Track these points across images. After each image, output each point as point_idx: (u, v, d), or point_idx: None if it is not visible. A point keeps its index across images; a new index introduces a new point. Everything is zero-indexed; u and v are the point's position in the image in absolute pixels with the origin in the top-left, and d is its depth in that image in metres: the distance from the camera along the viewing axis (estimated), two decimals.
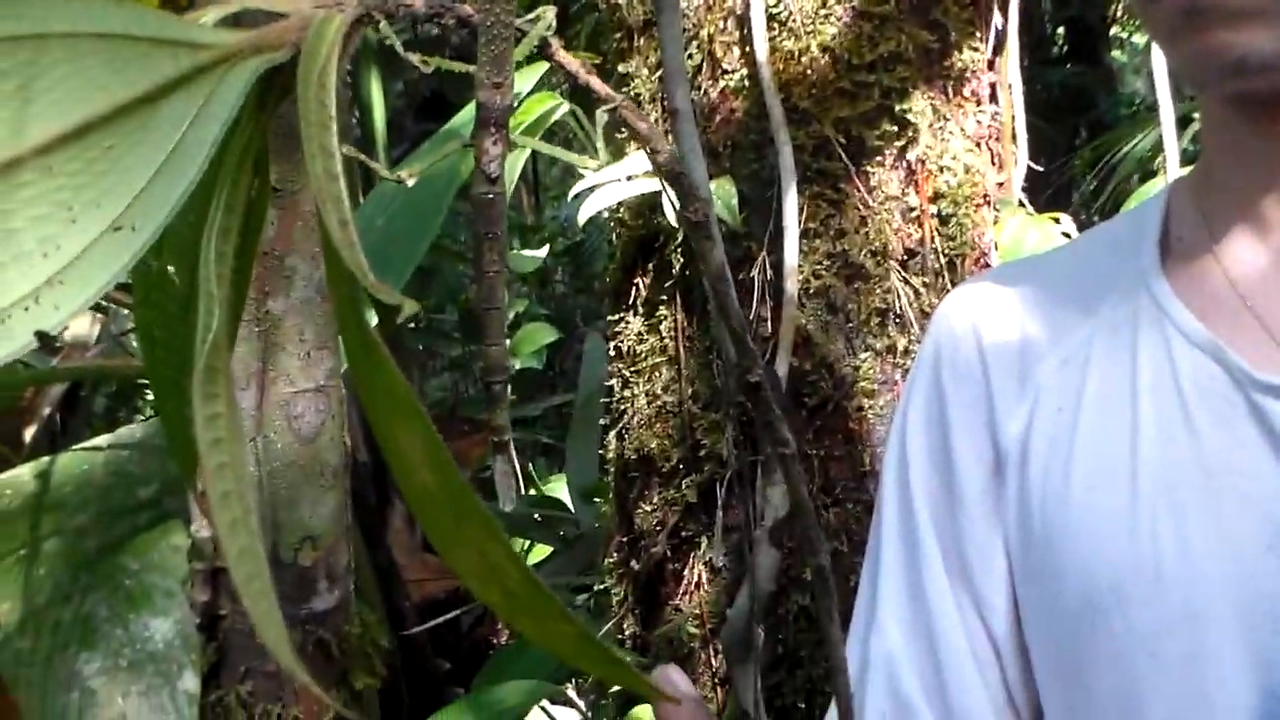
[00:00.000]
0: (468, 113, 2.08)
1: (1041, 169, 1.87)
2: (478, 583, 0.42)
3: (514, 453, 0.51)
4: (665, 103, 1.70)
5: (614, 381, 1.85)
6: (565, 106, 1.92)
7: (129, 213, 0.37)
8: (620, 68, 1.78)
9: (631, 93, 1.79)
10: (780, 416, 0.54)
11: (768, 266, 1.60)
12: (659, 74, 1.72)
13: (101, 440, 1.61)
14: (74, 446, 1.64)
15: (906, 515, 0.77)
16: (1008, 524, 0.73)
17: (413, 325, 4.30)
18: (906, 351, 1.59)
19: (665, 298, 1.74)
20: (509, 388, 0.51)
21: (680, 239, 1.69)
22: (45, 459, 1.57)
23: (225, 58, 0.38)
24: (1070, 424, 0.71)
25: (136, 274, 0.45)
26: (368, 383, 0.42)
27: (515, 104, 0.47)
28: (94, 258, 0.36)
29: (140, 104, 0.37)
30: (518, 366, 3.59)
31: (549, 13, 0.44)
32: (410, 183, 0.47)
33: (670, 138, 1.64)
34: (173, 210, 0.38)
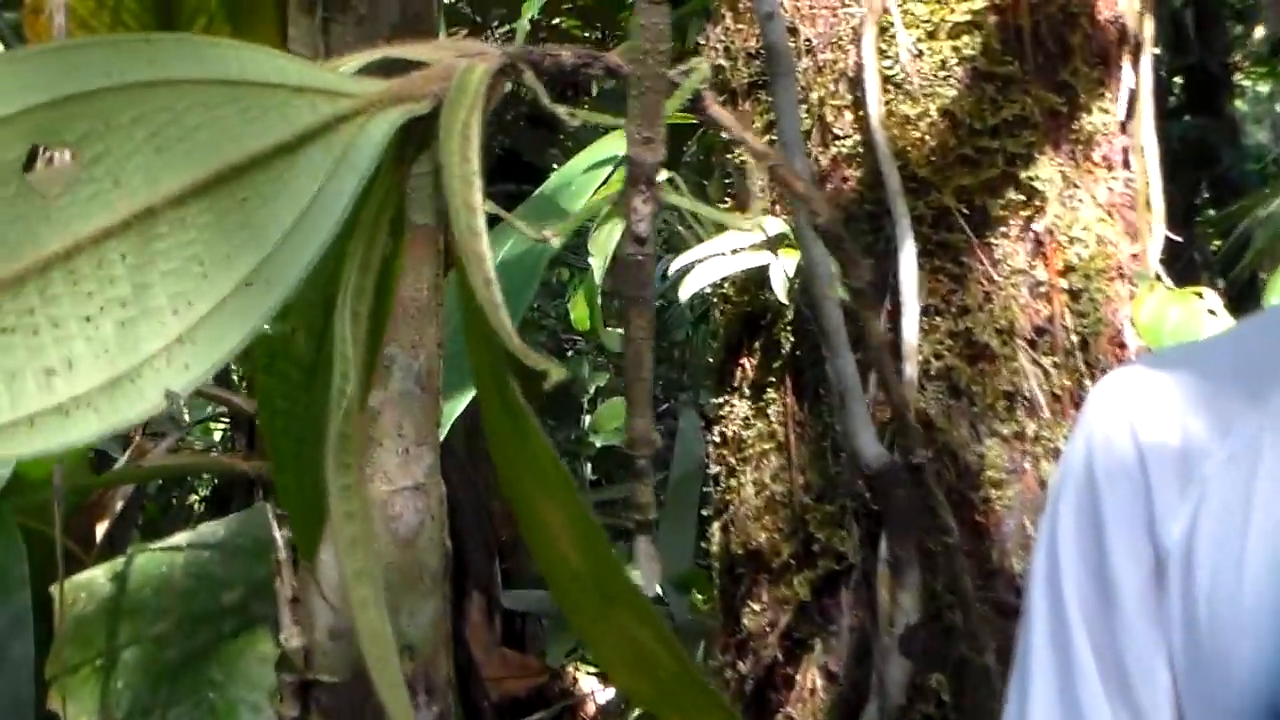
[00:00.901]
0: (562, 175, 2.11)
1: (1180, 239, 1.83)
2: (625, 672, 0.40)
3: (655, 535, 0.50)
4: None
5: (718, 470, 1.83)
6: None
7: (262, 269, 0.37)
8: (725, 134, 1.79)
9: (735, 160, 1.80)
10: (943, 503, 0.53)
11: (883, 344, 1.59)
12: (766, 140, 1.72)
13: (180, 539, 1.58)
14: (151, 545, 1.60)
15: (1058, 622, 0.75)
16: (1170, 632, 0.71)
17: None
18: (1036, 438, 1.56)
19: (774, 380, 1.73)
20: (652, 465, 0.50)
21: (791, 317, 1.68)
22: (120, 559, 1.54)
23: (365, 108, 0.37)
24: (1240, 524, 0.69)
25: (259, 340, 0.45)
26: (508, 453, 0.41)
27: (661, 160, 0.47)
28: (225, 315, 0.36)
29: (276, 154, 0.37)
30: (599, 445, 3.58)
31: (704, 65, 0.43)
32: (555, 242, 0.47)
33: (779, 210, 1.65)
34: (307, 266, 0.38)
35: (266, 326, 0.46)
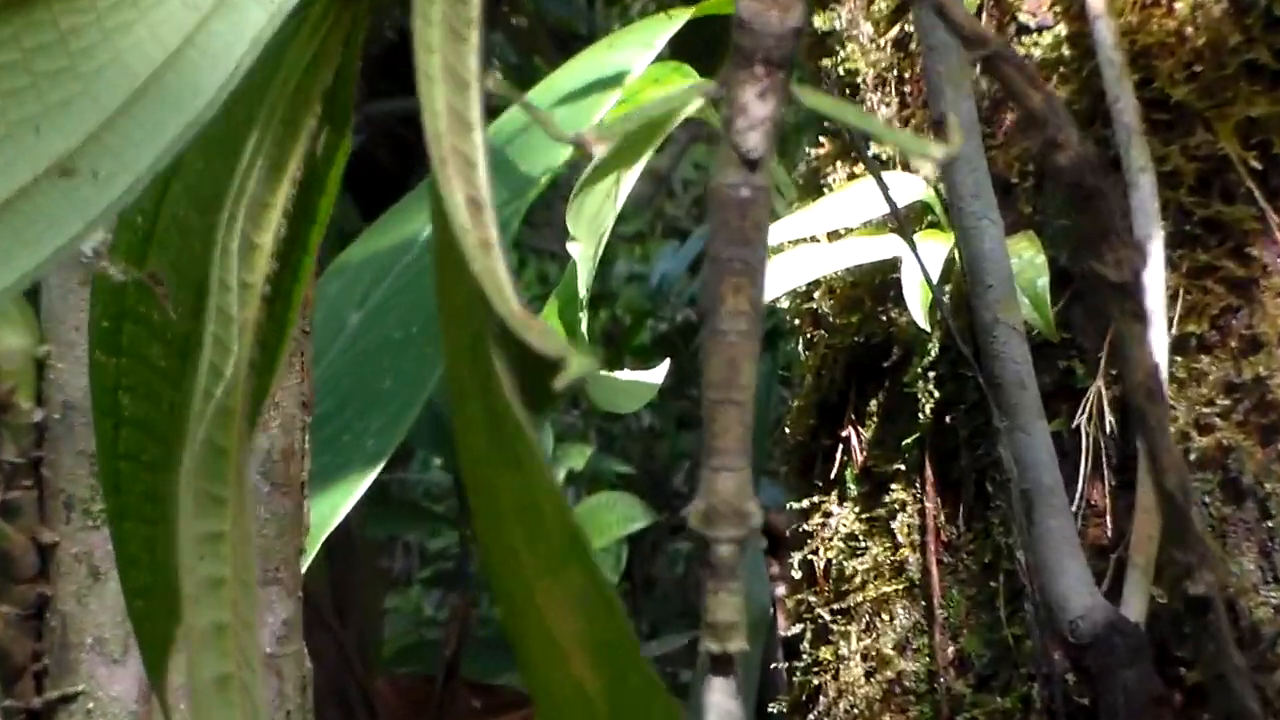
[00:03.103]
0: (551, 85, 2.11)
1: None
2: None
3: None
4: (918, 100, 1.70)
5: (798, 629, 1.83)
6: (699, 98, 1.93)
7: (90, 150, 0.36)
8: (816, 21, 1.80)
9: (840, 70, 1.81)
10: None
11: (1105, 403, 1.58)
12: (891, 37, 1.73)
13: None
14: None
15: None
16: None
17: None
18: None
19: (902, 468, 1.73)
20: (743, 554, 0.50)
21: (935, 355, 1.68)
22: None
23: None
24: None
25: (98, 290, 0.45)
26: (488, 486, 0.41)
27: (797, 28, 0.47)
28: (26, 215, 0.35)
29: None
30: None
31: None
32: (598, 150, 0.47)
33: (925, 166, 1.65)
34: (167, 154, 0.38)
35: (113, 271, 0.46)
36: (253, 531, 0.43)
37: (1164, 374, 1.55)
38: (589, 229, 1.87)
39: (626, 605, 4.16)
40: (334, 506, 1.69)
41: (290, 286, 0.45)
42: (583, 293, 1.89)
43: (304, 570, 1.43)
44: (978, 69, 1.52)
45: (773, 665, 2.13)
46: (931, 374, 1.70)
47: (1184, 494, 0.58)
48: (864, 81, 1.79)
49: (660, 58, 1.96)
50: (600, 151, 0.49)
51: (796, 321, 1.91)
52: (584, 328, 1.93)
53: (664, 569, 4.73)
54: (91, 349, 0.49)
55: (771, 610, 2.58)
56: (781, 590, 2.54)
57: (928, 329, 1.62)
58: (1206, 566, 0.59)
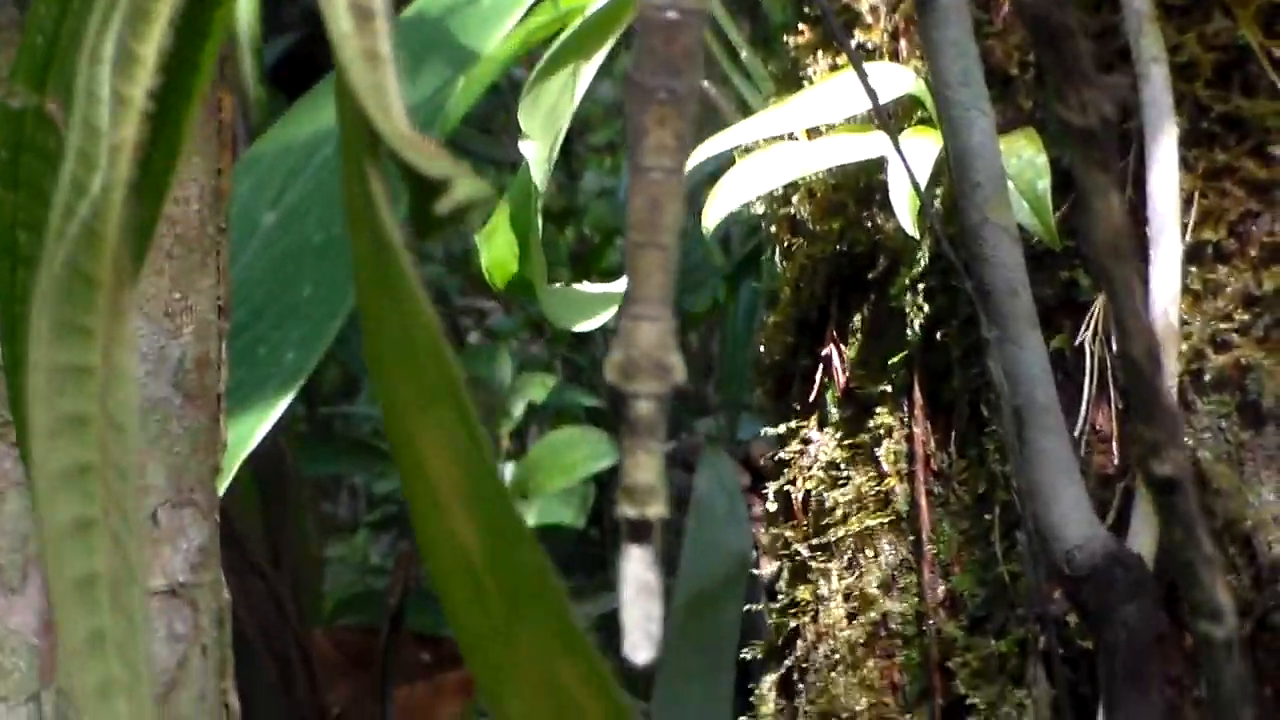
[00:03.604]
0: None
1: None
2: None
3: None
4: None
5: (775, 568, 1.85)
6: None
7: None
8: None
9: None
10: None
11: (1111, 317, 1.59)
12: None
13: None
14: None
15: None
16: None
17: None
18: None
19: (889, 388, 1.75)
20: (663, 408, 0.52)
21: (924, 265, 1.69)
22: None
23: None
24: None
25: None
26: (373, 321, 0.44)
27: None
28: None
29: None
30: (532, 523, 3.61)
31: None
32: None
33: (909, 47, 1.66)
34: None
35: (12, 99, 0.47)
36: (132, 374, 0.45)
37: (1176, 285, 1.57)
38: (544, 126, 1.88)
39: (595, 552, 4.16)
40: (251, 427, 1.69)
41: (181, 107, 0.47)
42: (537, 196, 1.89)
43: (222, 493, 1.42)
44: None
45: (748, 608, 2.14)
46: (920, 286, 1.72)
47: (1152, 363, 0.60)
48: None
49: None
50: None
51: (773, 229, 1.92)
52: (538, 237, 1.93)
53: None
54: None
55: (752, 550, 2.57)
56: (762, 529, 2.55)
57: (916, 236, 1.62)
58: (1175, 444, 0.61)
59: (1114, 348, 1.60)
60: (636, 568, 0.50)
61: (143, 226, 0.47)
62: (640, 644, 0.49)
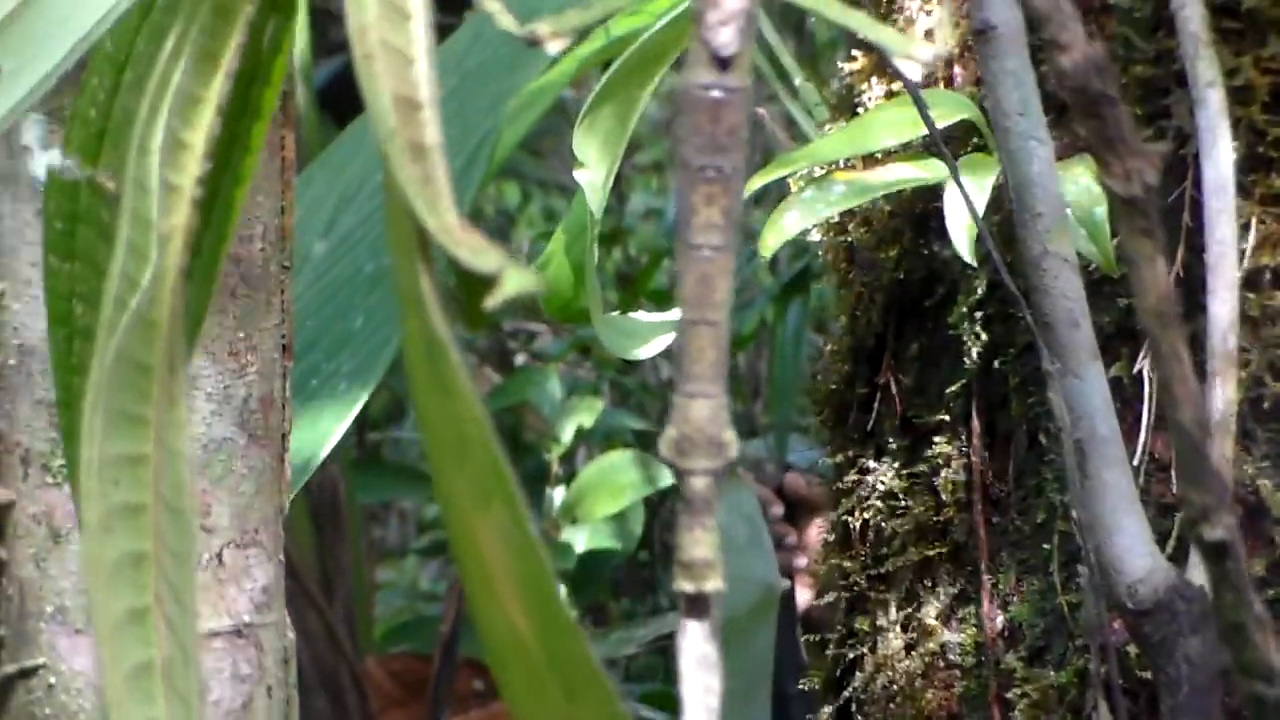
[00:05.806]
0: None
1: None
2: None
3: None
4: (961, 8, 1.70)
5: (828, 596, 1.84)
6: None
7: None
8: None
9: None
10: None
11: None
12: None
13: None
14: None
15: None
16: None
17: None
18: None
19: (946, 419, 1.74)
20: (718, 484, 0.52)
21: (982, 293, 1.68)
22: None
23: None
24: None
25: (52, 185, 0.46)
26: (427, 413, 0.43)
27: None
28: None
29: None
30: (581, 549, 3.59)
31: None
32: (553, 48, 0.48)
33: (965, 73, 1.65)
34: (79, 47, 0.39)
35: (67, 169, 0.47)
36: (183, 458, 0.44)
37: (1234, 312, 1.55)
38: (599, 154, 1.87)
39: (646, 576, 4.15)
40: (306, 460, 1.69)
41: (231, 190, 0.46)
42: (594, 225, 1.88)
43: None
44: None
45: (792, 635, 2.13)
46: (978, 314, 1.70)
47: (1201, 429, 0.59)
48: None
49: None
50: (555, 48, 0.49)
51: (829, 257, 1.90)
52: (594, 265, 1.92)
53: None
54: (45, 252, 0.50)
55: (790, 583, 2.56)
56: (802, 561, 2.53)
57: (974, 264, 1.61)
58: (1225, 508, 0.60)
59: None
60: (694, 641, 0.51)
61: (196, 309, 0.47)
62: (697, 709, 0.49)
